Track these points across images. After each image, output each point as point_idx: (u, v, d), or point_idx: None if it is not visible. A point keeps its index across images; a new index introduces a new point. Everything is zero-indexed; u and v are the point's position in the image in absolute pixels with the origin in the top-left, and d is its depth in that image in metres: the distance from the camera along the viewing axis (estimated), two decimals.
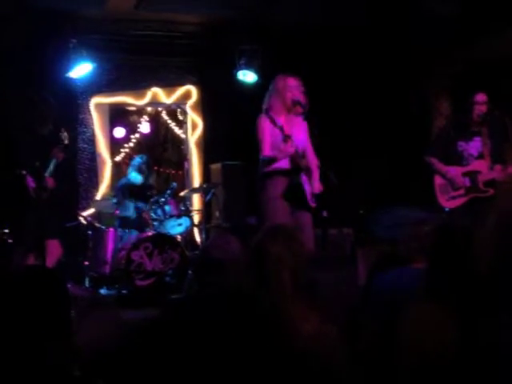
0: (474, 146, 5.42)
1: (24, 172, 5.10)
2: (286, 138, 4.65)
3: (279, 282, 2.27)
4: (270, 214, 4.75)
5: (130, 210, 6.71)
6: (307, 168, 4.86)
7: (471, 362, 1.88)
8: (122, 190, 6.93)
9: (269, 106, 4.90)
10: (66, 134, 5.32)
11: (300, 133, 4.89)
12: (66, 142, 5.29)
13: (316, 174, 4.92)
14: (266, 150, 4.81)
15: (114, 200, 6.69)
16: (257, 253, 2.38)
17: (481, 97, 5.38)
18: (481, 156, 5.40)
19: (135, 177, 6.97)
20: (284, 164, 4.79)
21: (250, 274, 2.38)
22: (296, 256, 2.35)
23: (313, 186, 4.86)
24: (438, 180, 5.52)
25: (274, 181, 4.80)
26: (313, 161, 4.96)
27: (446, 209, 5.44)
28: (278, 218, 4.67)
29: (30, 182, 5.09)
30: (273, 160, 4.75)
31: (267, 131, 4.82)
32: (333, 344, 2.20)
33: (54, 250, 5.18)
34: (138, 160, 7.12)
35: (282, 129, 4.69)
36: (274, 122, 4.69)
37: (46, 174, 5.14)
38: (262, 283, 2.31)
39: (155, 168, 8.49)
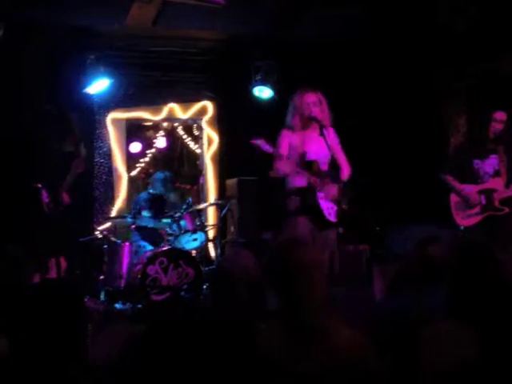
0: (490, 163, 5.37)
1: (39, 185, 5.08)
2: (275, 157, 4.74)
3: (315, 290, 2.22)
4: (290, 230, 4.86)
5: (148, 220, 6.74)
6: (316, 182, 4.87)
7: (494, 380, 1.86)
8: (143, 203, 7.01)
9: (289, 123, 4.99)
10: (84, 148, 5.33)
11: (318, 148, 4.89)
12: (84, 155, 5.31)
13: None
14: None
15: (130, 218, 6.69)
16: (287, 264, 2.30)
17: (500, 115, 5.33)
18: (497, 174, 5.35)
19: (158, 188, 7.06)
20: (300, 182, 4.89)
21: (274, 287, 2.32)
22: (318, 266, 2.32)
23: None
24: (453, 198, 5.48)
25: (294, 198, 4.93)
26: (344, 170, 5.05)
27: (462, 227, 5.40)
28: (296, 234, 4.78)
29: (44, 197, 5.06)
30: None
31: (282, 146, 4.95)
32: (368, 354, 2.16)
33: (53, 267, 5.03)
34: (160, 175, 7.18)
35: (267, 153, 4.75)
36: (260, 148, 4.75)
37: (64, 187, 5.12)
38: (291, 296, 2.25)
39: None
